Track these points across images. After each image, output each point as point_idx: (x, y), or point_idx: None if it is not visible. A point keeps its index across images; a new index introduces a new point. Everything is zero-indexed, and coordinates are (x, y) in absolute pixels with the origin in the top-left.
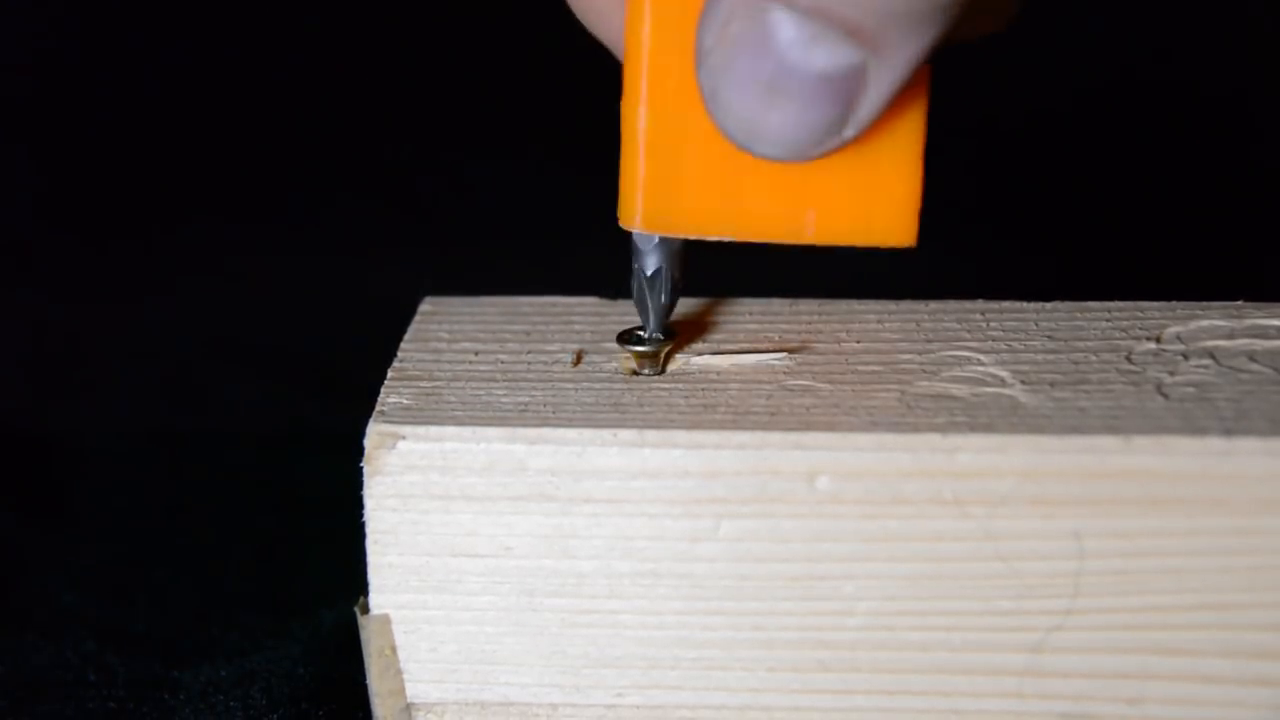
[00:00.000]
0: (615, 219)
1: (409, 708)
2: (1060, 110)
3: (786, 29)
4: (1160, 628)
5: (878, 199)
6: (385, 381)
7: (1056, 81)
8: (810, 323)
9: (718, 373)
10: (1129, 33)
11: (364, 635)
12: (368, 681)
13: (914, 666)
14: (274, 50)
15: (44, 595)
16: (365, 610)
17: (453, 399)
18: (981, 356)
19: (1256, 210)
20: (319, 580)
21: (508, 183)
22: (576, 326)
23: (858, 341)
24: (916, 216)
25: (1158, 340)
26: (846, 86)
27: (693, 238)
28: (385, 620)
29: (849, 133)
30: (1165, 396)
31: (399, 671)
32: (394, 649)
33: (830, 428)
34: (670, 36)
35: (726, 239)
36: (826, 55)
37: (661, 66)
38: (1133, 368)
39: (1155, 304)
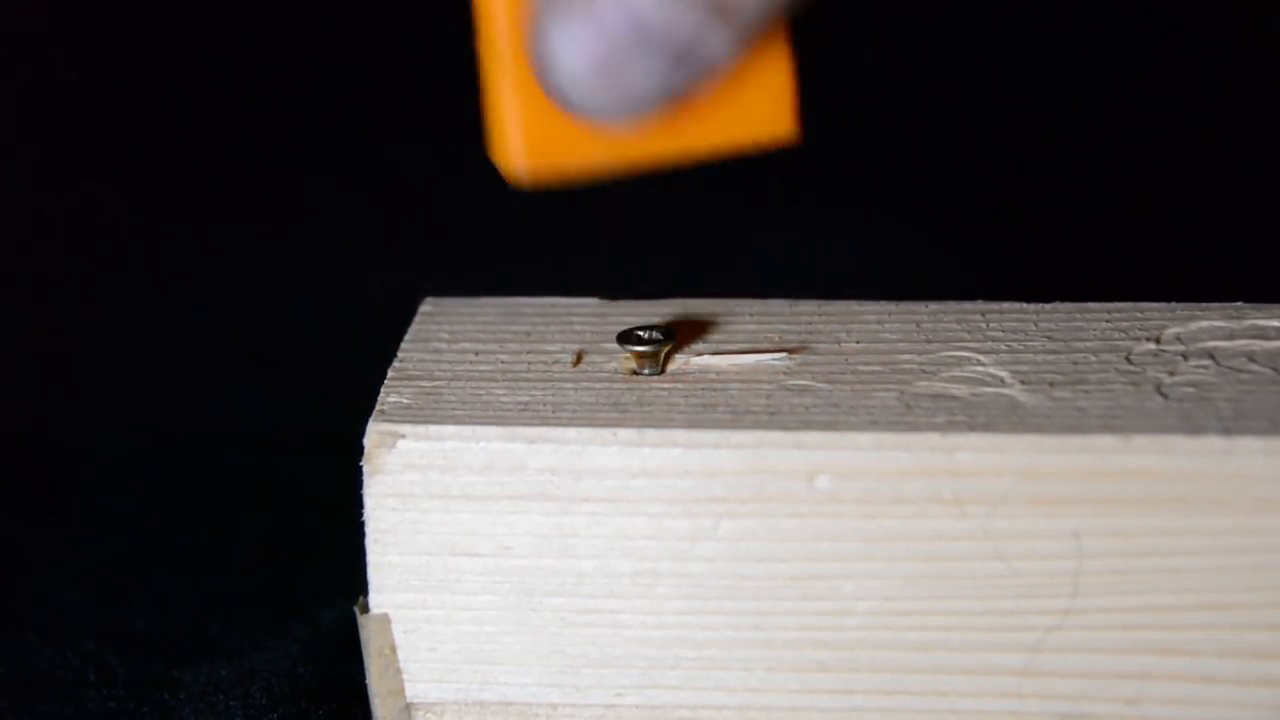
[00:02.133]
0: (616, 219)
1: (408, 708)
2: (1060, 110)
3: (651, 4)
4: (1159, 628)
5: (755, 99)
6: (385, 381)
7: (1056, 81)
8: (810, 323)
9: (717, 373)
10: (1129, 32)
11: (363, 635)
12: (367, 681)
13: (913, 666)
14: (274, 49)
15: (44, 595)
16: (365, 610)
17: (453, 398)
18: (981, 357)
19: (1256, 211)
20: (319, 580)
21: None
22: (576, 327)
23: (857, 342)
24: (793, 109)
25: (1157, 341)
26: (692, 56)
27: (575, 177)
28: (385, 620)
29: (681, 96)
30: (1165, 396)
31: (398, 671)
32: (394, 648)
33: (830, 427)
34: None
35: (612, 171)
36: (683, 30)
37: None
38: (1132, 368)
39: (1155, 305)
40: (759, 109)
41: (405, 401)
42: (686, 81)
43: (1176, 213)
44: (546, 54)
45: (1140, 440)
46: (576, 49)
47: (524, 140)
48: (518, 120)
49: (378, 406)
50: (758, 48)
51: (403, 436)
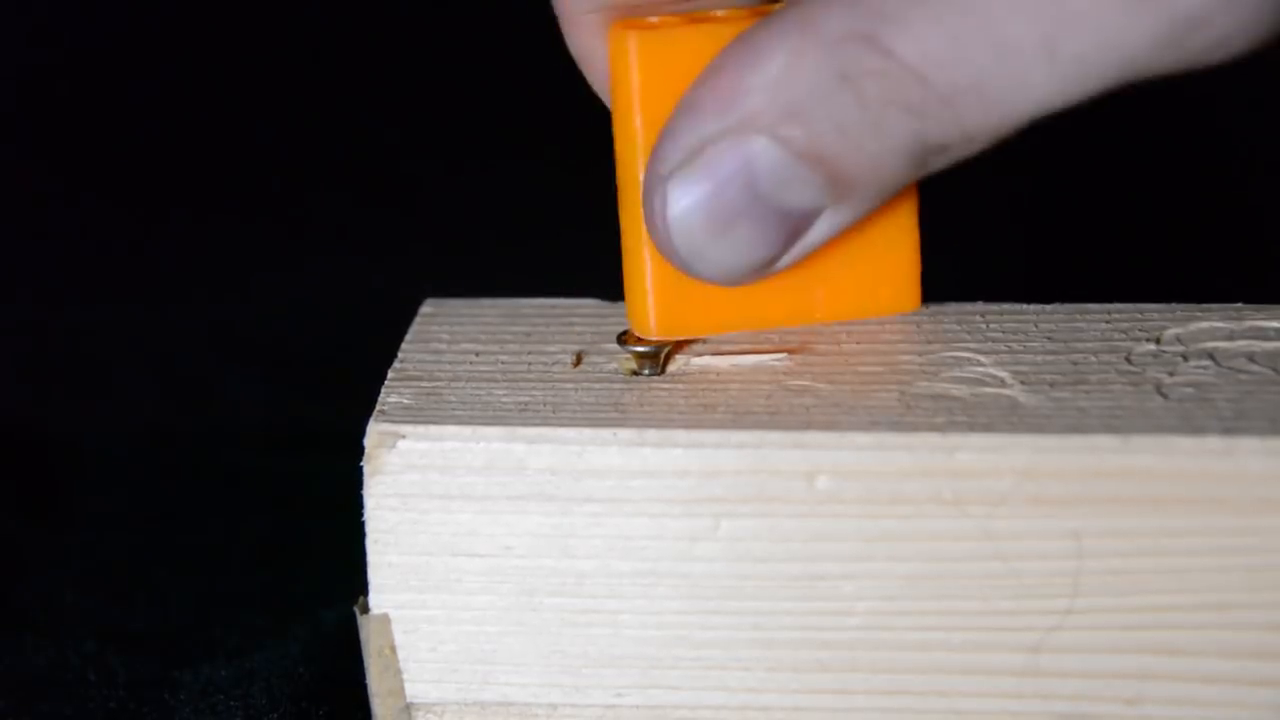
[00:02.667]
0: (615, 220)
1: (408, 708)
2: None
3: (767, 163)
4: (1159, 628)
5: (881, 274)
6: (385, 382)
7: None
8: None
9: (718, 373)
10: None
11: (363, 635)
12: (367, 681)
13: (913, 666)
14: (275, 49)
15: (44, 595)
16: (365, 610)
17: (453, 399)
18: (981, 357)
19: (1256, 211)
20: (319, 580)
21: (508, 183)
22: (577, 328)
23: (858, 343)
24: (918, 284)
25: (1157, 342)
26: (799, 224)
27: (708, 336)
28: (384, 620)
29: (785, 264)
30: (1164, 397)
31: (398, 671)
32: (393, 649)
33: (830, 427)
34: None
35: (739, 330)
36: (797, 196)
37: None
38: (1132, 368)
39: (1155, 306)
40: (883, 280)
41: (405, 402)
42: (792, 245)
43: (1176, 213)
44: (659, 205)
45: (1140, 440)
46: (687, 198)
47: (656, 305)
48: (652, 285)
49: (378, 407)
50: (886, 220)
51: (403, 437)
